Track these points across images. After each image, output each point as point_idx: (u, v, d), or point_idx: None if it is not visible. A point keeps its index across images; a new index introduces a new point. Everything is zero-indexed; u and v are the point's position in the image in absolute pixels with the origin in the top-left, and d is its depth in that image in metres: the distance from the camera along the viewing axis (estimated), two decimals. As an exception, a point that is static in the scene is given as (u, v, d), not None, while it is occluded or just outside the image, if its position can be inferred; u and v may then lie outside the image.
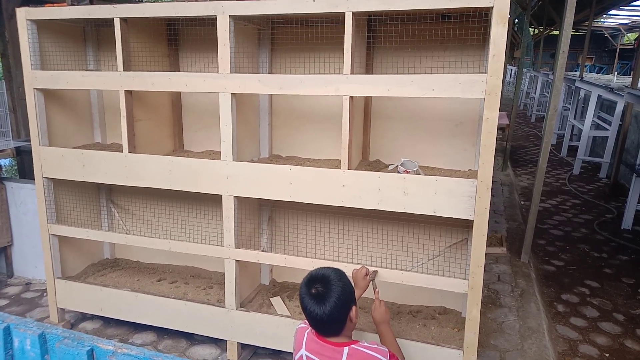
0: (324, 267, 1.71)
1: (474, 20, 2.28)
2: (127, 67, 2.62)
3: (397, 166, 2.42)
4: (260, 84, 2.38)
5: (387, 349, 1.68)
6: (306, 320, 1.73)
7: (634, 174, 5.06)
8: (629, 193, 5.24)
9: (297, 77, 2.31)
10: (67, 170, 2.82)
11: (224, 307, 2.71)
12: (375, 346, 1.66)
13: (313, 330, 1.69)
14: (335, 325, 1.64)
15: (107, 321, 3.21)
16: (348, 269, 2.39)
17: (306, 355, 1.67)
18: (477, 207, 2.16)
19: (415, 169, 2.37)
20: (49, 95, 2.89)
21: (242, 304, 2.81)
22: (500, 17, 1.98)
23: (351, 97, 2.25)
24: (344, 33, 2.19)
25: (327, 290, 1.61)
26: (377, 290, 2.02)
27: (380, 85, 2.18)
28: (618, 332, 3.28)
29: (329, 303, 1.60)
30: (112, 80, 2.63)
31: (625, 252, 4.65)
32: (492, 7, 1.98)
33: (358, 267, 2.15)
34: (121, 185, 2.86)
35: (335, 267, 1.72)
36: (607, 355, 3.03)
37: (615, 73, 16.77)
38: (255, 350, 2.89)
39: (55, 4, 2.72)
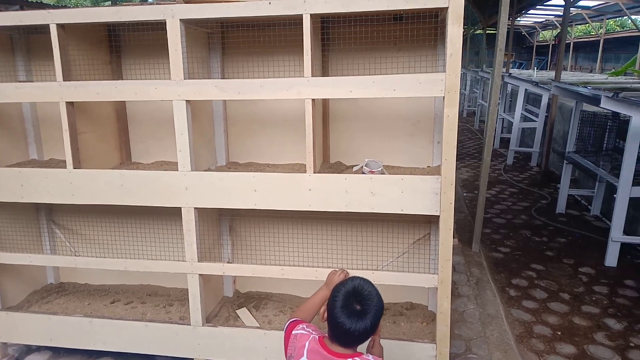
0: (361, 280, 1.65)
1: (426, 21, 2.34)
2: (66, 77, 2.43)
3: (362, 167, 2.43)
4: (217, 89, 2.29)
5: None
6: (306, 326, 1.69)
7: (565, 161, 5.44)
8: (561, 179, 5.63)
9: (257, 82, 2.25)
10: (3, 191, 2.57)
11: (189, 325, 2.59)
12: None
13: (317, 339, 1.64)
14: (361, 340, 1.61)
15: (57, 351, 2.96)
16: (319, 274, 2.37)
17: None
18: (443, 202, 2.21)
19: (379, 169, 2.39)
20: (-24, 110, 2.63)
21: (208, 319, 2.70)
22: (455, 17, 2.03)
23: (313, 100, 2.22)
24: (302, 35, 2.16)
25: (367, 307, 1.58)
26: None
27: (342, 87, 2.18)
28: (566, 311, 3.50)
29: (367, 320, 1.56)
30: (51, 91, 2.42)
31: (562, 234, 4.99)
32: (447, 8, 2.03)
33: (335, 269, 2.11)
34: (63, 204, 2.65)
35: (366, 278, 1.67)
36: (559, 333, 3.22)
37: (535, 68, 17.99)
38: (224, 365, 2.79)
39: (-22, 10, 2.47)
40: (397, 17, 2.50)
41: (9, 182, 2.56)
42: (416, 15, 2.35)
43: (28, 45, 2.92)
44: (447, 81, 2.09)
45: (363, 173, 2.37)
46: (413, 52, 2.59)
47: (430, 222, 2.72)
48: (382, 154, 2.77)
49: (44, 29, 2.40)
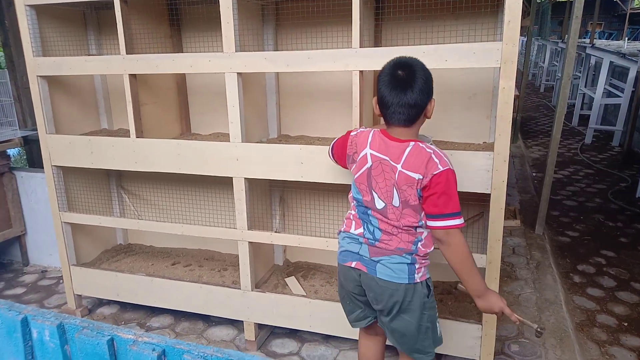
0: (406, 57, 1.73)
1: (486, -14, 2.19)
2: (129, 50, 2.57)
3: (410, 141, 2.36)
4: (266, 62, 2.32)
5: (448, 161, 1.70)
6: (361, 128, 1.87)
7: (649, 141, 4.95)
8: (644, 161, 5.15)
9: (305, 54, 2.24)
10: (76, 157, 2.80)
11: (240, 289, 2.71)
12: (440, 153, 1.70)
13: (379, 130, 1.77)
14: (413, 112, 1.68)
15: (124, 306, 3.23)
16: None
17: (371, 154, 1.75)
18: (494, 180, 2.11)
19: (429, 143, 2.31)
20: (53, 82, 2.85)
21: (257, 285, 2.81)
22: (515, -20, 1.89)
23: (361, 71, 2.19)
24: (352, 5, 2.11)
25: (413, 75, 1.65)
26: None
27: (390, 58, 2.10)
28: (636, 301, 3.25)
29: (416, 87, 1.64)
30: (116, 64, 2.58)
31: (641, 220, 4.59)
32: (507, -29, 1.89)
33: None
34: (130, 171, 2.84)
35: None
36: (626, 324, 3.01)
37: (626, 39, 16.36)
38: (273, 330, 2.91)
39: (53, -12, 2.66)
40: (455, -17, 2.37)
41: (80, 149, 2.78)
42: (475, -20, 2.21)
43: (98, 21, 3.11)
44: (504, 51, 1.96)
45: (411, 147, 2.30)
46: (472, 20, 2.45)
47: (484, 201, 2.61)
48: (435, 128, 2.67)
49: (110, 5, 2.54)
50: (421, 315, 1.78)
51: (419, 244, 1.76)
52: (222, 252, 3.37)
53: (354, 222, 1.86)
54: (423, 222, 1.74)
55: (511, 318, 1.72)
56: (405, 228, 1.73)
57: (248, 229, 2.59)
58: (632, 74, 6.74)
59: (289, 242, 2.58)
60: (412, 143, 1.69)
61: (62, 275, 3.16)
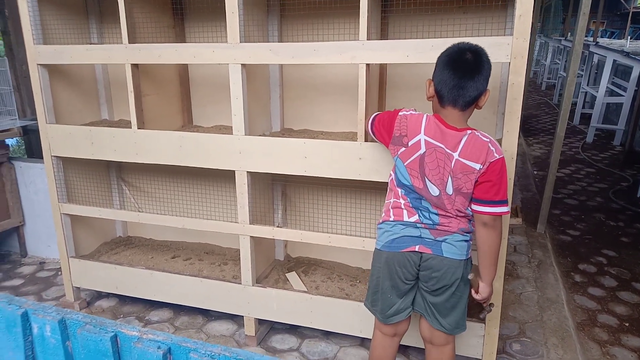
0: (471, 43, 1.75)
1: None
2: (132, 40, 2.52)
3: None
4: (271, 53, 2.28)
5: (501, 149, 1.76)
6: (411, 110, 1.85)
7: (652, 141, 4.93)
8: (646, 160, 5.12)
9: (310, 45, 2.20)
10: (76, 148, 2.76)
11: (240, 284, 2.68)
12: (494, 141, 1.74)
13: (433, 115, 1.79)
14: (474, 95, 1.71)
15: (123, 299, 3.21)
16: (366, 243, 2.35)
17: (425, 140, 1.76)
18: (501, 177, 2.07)
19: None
20: (53, 71, 2.81)
21: (258, 280, 2.78)
22: (527, -26, 1.85)
23: (367, 65, 2.15)
24: (359, -3, 2.07)
25: (481, 60, 1.69)
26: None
27: (398, 51, 2.08)
28: (637, 301, 3.23)
29: (483, 72, 1.69)
30: (118, 53, 2.53)
31: (643, 220, 4.57)
32: (519, -36, 1.85)
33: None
34: (131, 163, 2.80)
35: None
36: (627, 324, 2.99)
37: (628, 37, 16.28)
38: (273, 325, 2.88)
39: (54, -25, 2.61)
40: (464, -24, 2.33)
41: (81, 140, 2.74)
42: (485, -27, 2.17)
43: (100, 9, 3.06)
44: (514, 45, 1.92)
45: (417, 143, 2.27)
46: (481, 14, 2.41)
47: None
48: (440, 125, 2.64)
49: (112, -7, 2.49)
50: (468, 289, 1.91)
51: (470, 223, 1.87)
52: (223, 246, 3.34)
53: (405, 211, 1.87)
54: (469, 208, 1.82)
55: (487, 303, 1.97)
56: (459, 213, 1.82)
57: (250, 224, 2.56)
58: (635, 73, 6.71)
59: (291, 237, 2.55)
60: (468, 132, 1.74)
61: (60, 267, 3.14)
